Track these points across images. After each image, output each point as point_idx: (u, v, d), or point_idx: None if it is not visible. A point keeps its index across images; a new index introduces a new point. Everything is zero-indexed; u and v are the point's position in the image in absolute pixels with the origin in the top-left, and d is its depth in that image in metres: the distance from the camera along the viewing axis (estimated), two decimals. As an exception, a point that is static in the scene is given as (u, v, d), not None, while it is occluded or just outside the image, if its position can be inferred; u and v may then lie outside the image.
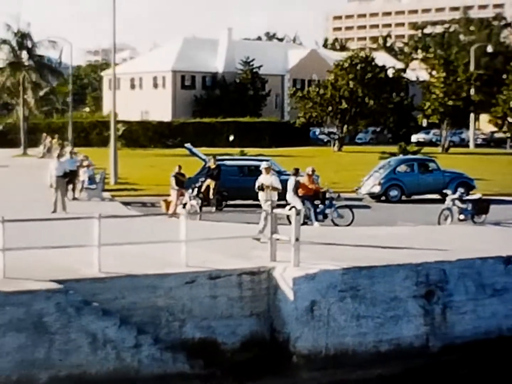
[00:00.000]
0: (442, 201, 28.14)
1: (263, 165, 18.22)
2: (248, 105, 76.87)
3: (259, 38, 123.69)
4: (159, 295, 13.84)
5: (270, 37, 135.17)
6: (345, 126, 61.49)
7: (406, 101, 68.69)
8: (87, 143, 67.16)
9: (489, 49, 73.95)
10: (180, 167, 23.42)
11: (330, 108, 59.71)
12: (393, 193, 27.78)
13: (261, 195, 17.91)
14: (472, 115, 68.83)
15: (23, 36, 57.71)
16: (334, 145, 62.29)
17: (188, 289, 14.04)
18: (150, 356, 13.25)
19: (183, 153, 59.50)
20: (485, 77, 66.14)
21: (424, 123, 78.71)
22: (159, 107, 76.71)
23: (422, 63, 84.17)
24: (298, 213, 14.49)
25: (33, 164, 50.21)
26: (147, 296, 13.76)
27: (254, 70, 79.04)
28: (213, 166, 23.89)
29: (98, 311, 13.03)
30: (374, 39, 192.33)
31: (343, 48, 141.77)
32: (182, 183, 22.52)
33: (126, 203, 25.75)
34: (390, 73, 66.37)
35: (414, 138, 75.87)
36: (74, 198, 26.66)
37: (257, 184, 18.06)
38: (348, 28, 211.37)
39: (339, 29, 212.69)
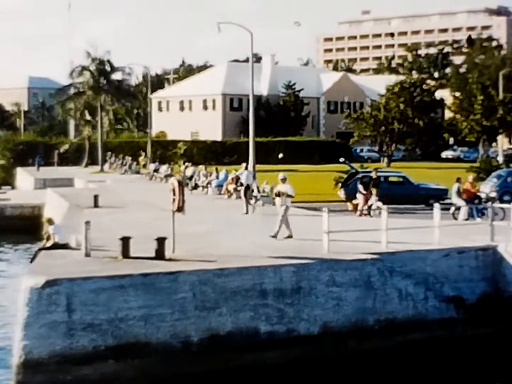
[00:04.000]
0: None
1: (280, 176, 22.07)
2: (291, 125, 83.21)
3: (247, 60, 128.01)
4: (427, 264, 19.73)
5: (259, 58, 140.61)
6: (393, 144, 67.89)
7: (436, 121, 75.35)
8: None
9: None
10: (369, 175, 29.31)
11: (382, 128, 66.08)
12: (506, 197, 33.91)
13: (277, 200, 21.98)
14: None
15: (102, 63, 63.11)
16: (383, 161, 68.57)
17: (445, 260, 19.95)
18: (433, 306, 19.11)
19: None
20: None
21: (451, 141, 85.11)
22: (209, 128, 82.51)
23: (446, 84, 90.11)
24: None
25: (126, 179, 54.64)
26: (420, 265, 19.63)
27: (296, 93, 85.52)
28: (375, 176, 29.47)
29: (402, 274, 18.90)
30: (365, 60, 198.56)
31: (349, 70, 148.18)
32: (368, 188, 28.14)
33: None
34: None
35: (443, 154, 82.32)
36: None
37: (274, 191, 22.13)
38: (339, 49, 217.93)
39: (330, 50, 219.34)
